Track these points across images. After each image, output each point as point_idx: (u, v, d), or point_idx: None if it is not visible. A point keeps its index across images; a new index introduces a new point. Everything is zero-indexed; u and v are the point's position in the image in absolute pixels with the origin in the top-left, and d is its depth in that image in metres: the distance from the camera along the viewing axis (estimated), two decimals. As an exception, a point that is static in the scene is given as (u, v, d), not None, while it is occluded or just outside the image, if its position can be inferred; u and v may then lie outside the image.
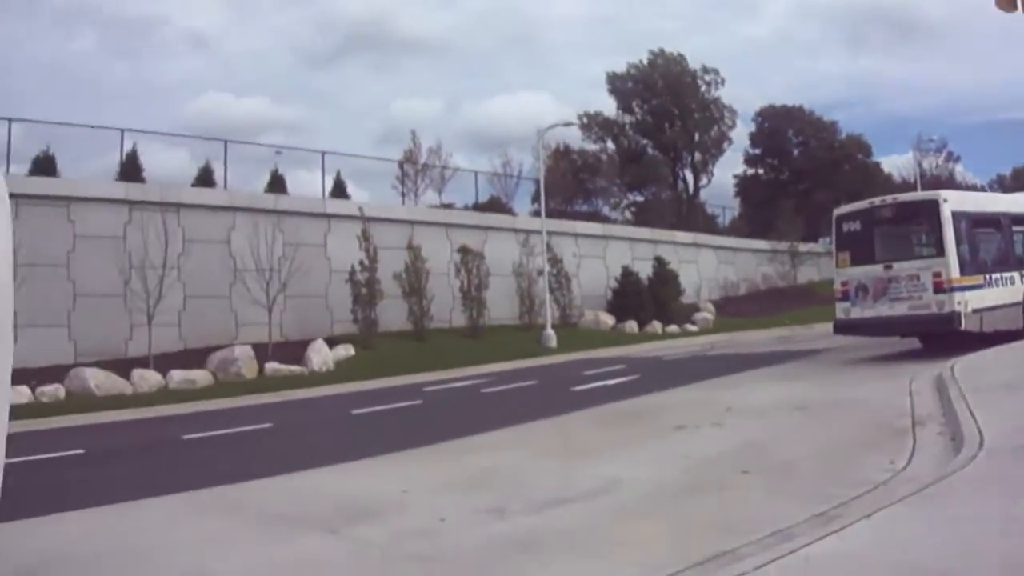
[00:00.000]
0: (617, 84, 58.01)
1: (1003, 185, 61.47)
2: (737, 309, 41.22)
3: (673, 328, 36.41)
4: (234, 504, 9.28)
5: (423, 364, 25.28)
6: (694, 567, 5.48)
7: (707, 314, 39.28)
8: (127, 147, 29.71)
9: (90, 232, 24.35)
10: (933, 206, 18.52)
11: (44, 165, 27.67)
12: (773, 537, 5.93)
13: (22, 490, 10.95)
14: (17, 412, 18.34)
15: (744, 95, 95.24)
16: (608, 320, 36.18)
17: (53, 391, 21.03)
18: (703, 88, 58.22)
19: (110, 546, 7.71)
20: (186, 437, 15.19)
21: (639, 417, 13.73)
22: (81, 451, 14.26)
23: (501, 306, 32.79)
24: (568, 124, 42.10)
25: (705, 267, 43.69)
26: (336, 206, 31.42)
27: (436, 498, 8.68)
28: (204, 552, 7.29)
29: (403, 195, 39.69)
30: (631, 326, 35.71)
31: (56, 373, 21.89)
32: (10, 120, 26.20)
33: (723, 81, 58.58)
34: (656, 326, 36.13)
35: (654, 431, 12.05)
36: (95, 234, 24.38)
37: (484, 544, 6.83)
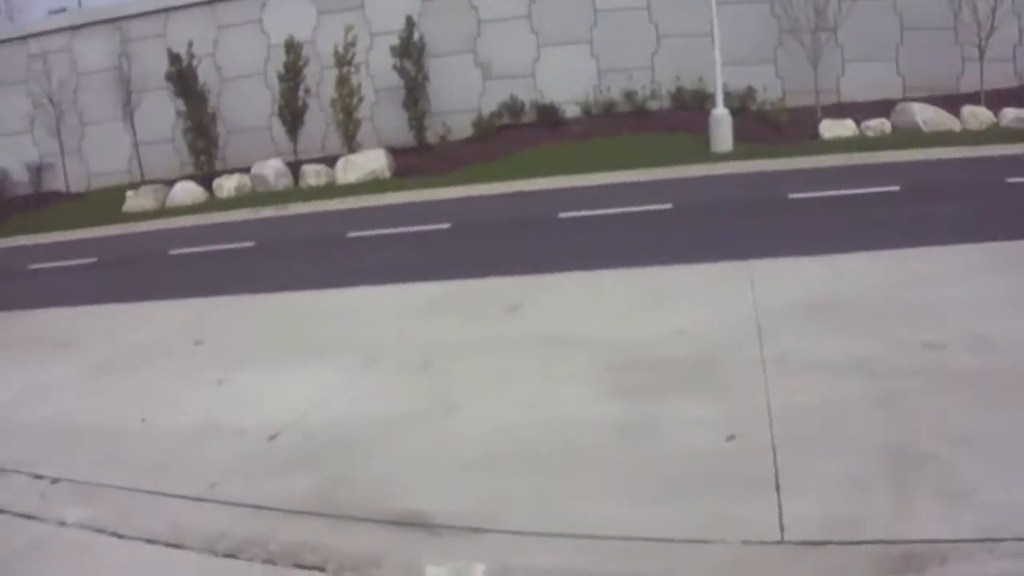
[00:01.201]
0: None
1: None
2: None
3: None
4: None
5: None
6: None
7: None
8: None
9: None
10: None
11: None
12: None
13: (835, 228, 11.18)
14: (841, 145, 18.89)
15: None
16: None
17: (878, 125, 20.88)
18: None
19: (883, 293, 7.24)
20: (1011, 180, 13.95)
21: None
22: (895, 188, 14.05)
23: None
24: None
25: None
26: None
27: None
28: (991, 313, 6.54)
29: None
30: None
31: (883, 108, 21.54)
32: None
33: None
34: None
35: None
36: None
37: None
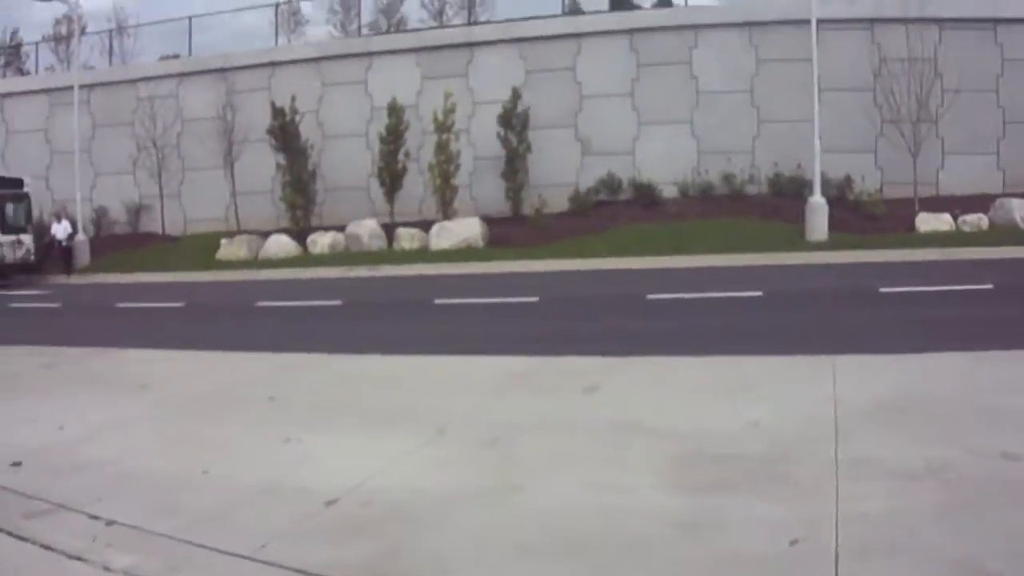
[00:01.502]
0: None
1: None
2: None
3: None
4: None
5: None
6: None
7: None
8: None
9: (1021, 55, 22.32)
10: None
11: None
12: None
13: (923, 325, 10.84)
14: (937, 239, 18.50)
15: None
16: None
17: (975, 220, 20.57)
18: None
19: (966, 397, 7.08)
20: None
21: None
22: (989, 286, 13.87)
23: None
24: None
25: None
26: None
27: None
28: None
29: None
30: None
31: (981, 202, 21.20)
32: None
33: None
34: None
35: None
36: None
37: None
